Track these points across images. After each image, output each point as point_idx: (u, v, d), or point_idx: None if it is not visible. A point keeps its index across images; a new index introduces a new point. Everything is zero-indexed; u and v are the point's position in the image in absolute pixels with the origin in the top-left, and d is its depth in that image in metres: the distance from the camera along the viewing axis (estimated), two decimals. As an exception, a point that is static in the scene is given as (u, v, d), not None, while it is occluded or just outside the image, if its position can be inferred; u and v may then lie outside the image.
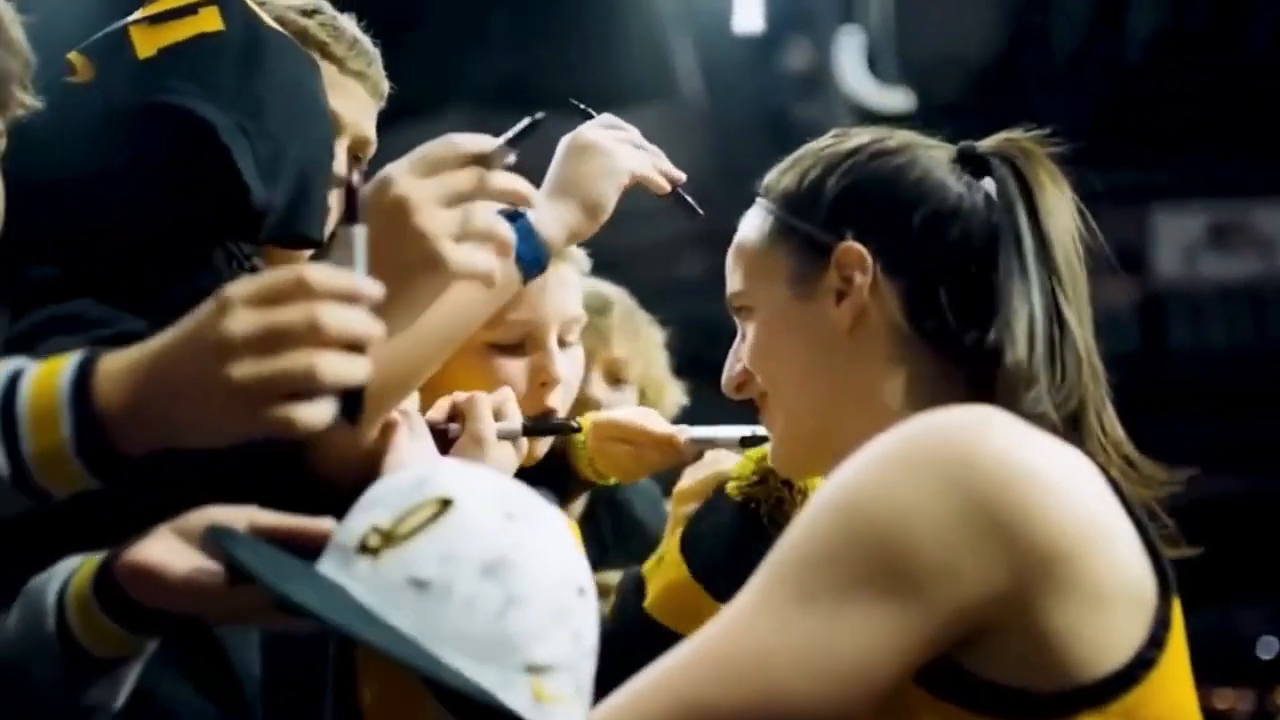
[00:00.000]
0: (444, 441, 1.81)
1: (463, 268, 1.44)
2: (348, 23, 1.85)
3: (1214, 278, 8.64)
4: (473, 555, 1.27)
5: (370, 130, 1.85)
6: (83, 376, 1.23)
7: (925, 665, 1.35)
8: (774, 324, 1.59)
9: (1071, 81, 7.26)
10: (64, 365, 1.24)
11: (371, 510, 1.31)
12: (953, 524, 1.34)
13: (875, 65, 7.10)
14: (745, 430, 2.03)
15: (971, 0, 7.52)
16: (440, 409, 1.87)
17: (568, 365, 2.14)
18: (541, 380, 2.08)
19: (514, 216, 1.70)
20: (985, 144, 1.56)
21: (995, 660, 1.34)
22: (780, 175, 1.60)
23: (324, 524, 1.34)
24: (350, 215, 1.29)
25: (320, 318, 1.20)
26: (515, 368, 2.10)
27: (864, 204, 1.55)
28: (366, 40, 1.86)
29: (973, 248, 1.51)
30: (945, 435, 1.38)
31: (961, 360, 1.50)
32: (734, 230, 1.62)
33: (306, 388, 1.20)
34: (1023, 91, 7.32)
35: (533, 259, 1.70)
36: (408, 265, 1.41)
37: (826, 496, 1.37)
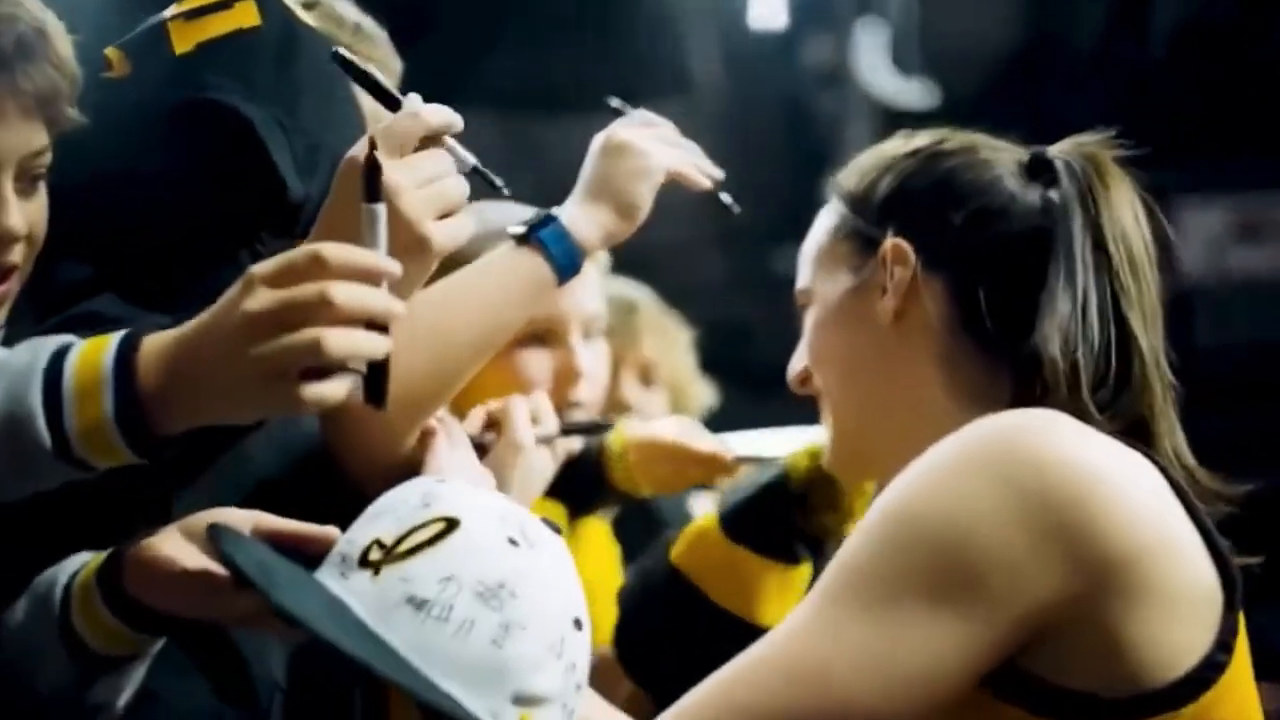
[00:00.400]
0: (480, 452, 1.80)
1: (446, 246, 1.46)
2: (347, 9, 1.85)
3: (1241, 273, 8.61)
4: (473, 578, 1.26)
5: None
6: (125, 354, 1.27)
7: (991, 669, 1.35)
8: (826, 318, 1.61)
9: (1096, 76, 7.22)
10: (108, 343, 1.28)
11: (375, 522, 1.31)
12: (1016, 528, 1.33)
13: (897, 59, 7.06)
14: (791, 443, 2.02)
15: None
16: (475, 420, 1.86)
17: (591, 360, 2.13)
18: (565, 375, 2.08)
19: (548, 220, 1.69)
20: (1054, 148, 1.57)
21: (1063, 664, 1.34)
22: (846, 174, 1.64)
23: (329, 531, 1.35)
24: (371, 194, 1.30)
25: (332, 293, 1.23)
26: (539, 363, 2.10)
27: (911, 202, 1.57)
28: (370, 22, 1.86)
29: (1017, 248, 1.52)
30: (1007, 438, 1.37)
31: (1006, 360, 1.50)
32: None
33: (316, 362, 1.23)
34: (1046, 86, 7.28)
35: (567, 261, 1.70)
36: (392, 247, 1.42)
37: (886, 503, 1.38)
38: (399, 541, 1.27)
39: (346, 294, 1.23)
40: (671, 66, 6.83)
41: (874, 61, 7.07)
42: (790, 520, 1.93)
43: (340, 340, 1.23)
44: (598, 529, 2.42)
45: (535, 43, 6.52)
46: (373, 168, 1.30)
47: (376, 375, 1.27)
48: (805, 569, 1.96)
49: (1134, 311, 1.49)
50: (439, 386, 1.65)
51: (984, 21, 7.47)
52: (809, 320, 1.64)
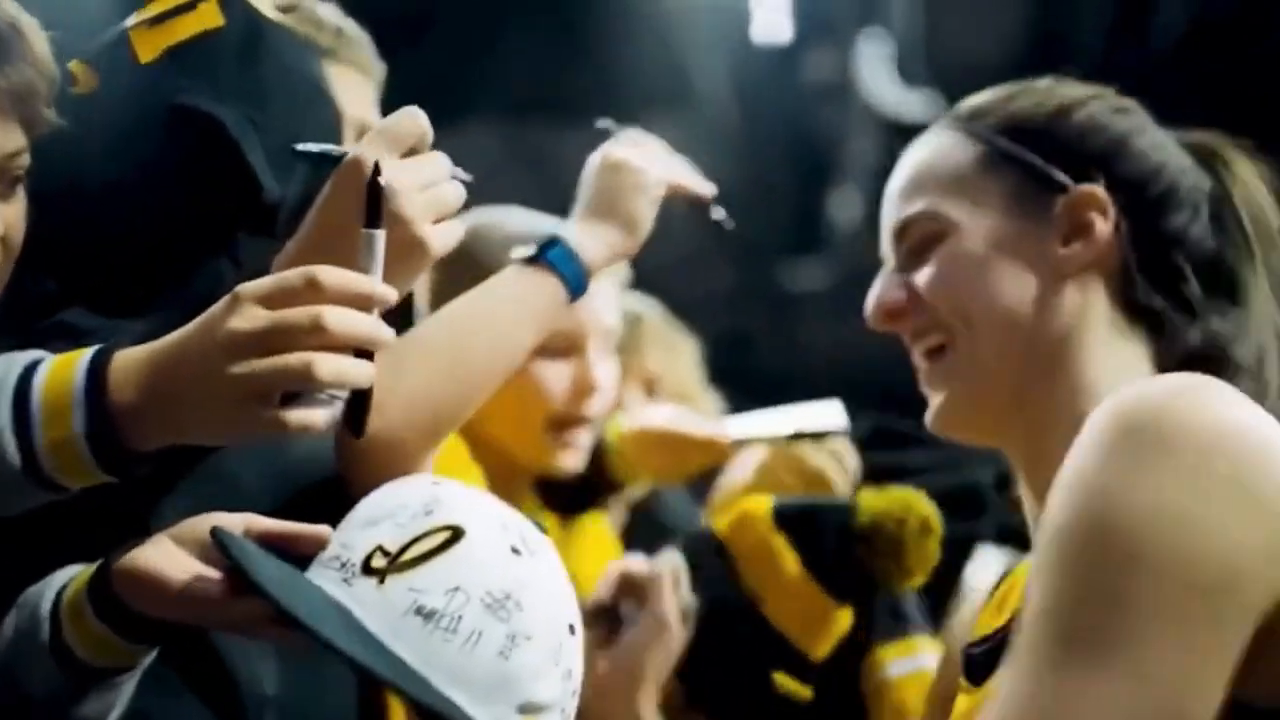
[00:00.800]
0: (614, 618, 1.81)
1: (440, 251, 1.46)
2: (329, 12, 1.85)
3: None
4: (481, 589, 1.26)
5: (370, 114, 1.86)
6: (96, 370, 1.25)
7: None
8: (979, 254, 1.47)
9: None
10: (79, 359, 1.27)
11: (375, 528, 1.30)
12: (1226, 509, 1.16)
13: (902, 71, 7.05)
14: (788, 424, 2.03)
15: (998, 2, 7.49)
16: (610, 582, 1.85)
17: (606, 374, 2.14)
18: (582, 387, 2.09)
19: (554, 241, 1.70)
20: (1195, 138, 1.51)
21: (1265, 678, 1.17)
22: (998, 102, 1.52)
23: (321, 530, 1.34)
24: (372, 219, 1.29)
25: (325, 318, 1.21)
26: (556, 374, 2.12)
27: (1112, 153, 1.47)
28: (351, 24, 1.86)
29: (1203, 229, 1.46)
30: (1173, 411, 1.20)
31: (1162, 339, 1.43)
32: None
33: (303, 387, 1.22)
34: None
35: (577, 281, 1.72)
36: (388, 248, 1.39)
37: (1070, 525, 1.18)
38: (404, 550, 1.27)
39: (340, 319, 1.22)
40: (676, 80, 6.83)
41: (877, 73, 7.06)
42: (846, 550, 1.91)
43: (330, 366, 1.21)
44: (598, 526, 2.41)
45: (538, 52, 6.52)
46: (375, 191, 1.29)
47: (358, 403, 1.26)
48: (843, 615, 1.93)
49: (1274, 292, 1.45)
50: (458, 409, 1.66)
51: (989, 32, 7.47)
52: (943, 255, 1.49)
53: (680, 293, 3.54)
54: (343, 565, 1.28)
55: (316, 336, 1.21)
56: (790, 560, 1.89)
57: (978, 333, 1.46)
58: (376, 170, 1.33)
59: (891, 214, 1.54)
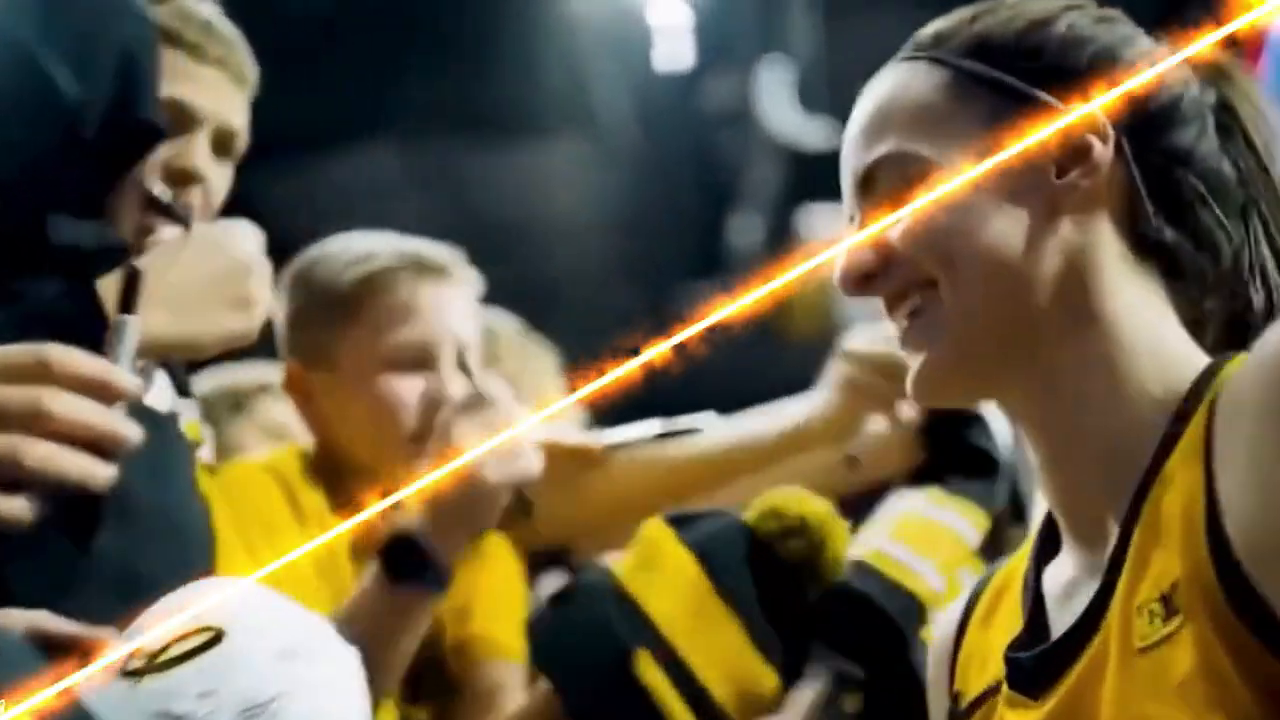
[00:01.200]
0: None
1: (253, 336, 1.46)
2: (200, 6, 1.77)
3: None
4: (235, 694, 1.18)
5: (237, 120, 1.76)
6: None
7: None
8: (961, 193, 1.27)
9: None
10: None
11: (143, 628, 1.22)
12: None
13: (803, 97, 7.10)
14: (656, 426, 2.05)
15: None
16: None
17: (462, 388, 2.12)
18: (436, 401, 2.06)
19: (421, 566, 1.81)
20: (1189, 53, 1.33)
21: None
22: (960, 24, 1.34)
23: (102, 633, 1.23)
24: (126, 304, 1.24)
25: (47, 403, 1.10)
26: (408, 388, 2.09)
27: (1099, 66, 1.30)
28: (225, 24, 1.76)
29: (1211, 145, 1.31)
30: None
31: (1177, 280, 1.30)
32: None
33: (6, 474, 1.09)
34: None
35: (437, 585, 1.85)
36: (219, 303, 1.41)
37: None
38: (162, 651, 1.19)
39: (65, 406, 1.10)
40: (578, 105, 6.84)
41: (778, 100, 7.10)
42: (747, 557, 1.92)
43: (41, 454, 1.09)
44: (499, 544, 2.41)
45: (441, 74, 6.52)
46: (133, 277, 1.23)
47: (81, 505, 1.16)
48: (765, 669, 1.90)
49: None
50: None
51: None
52: (922, 195, 1.28)
53: (580, 312, 3.55)
54: (106, 666, 1.20)
55: (34, 421, 1.09)
56: (689, 563, 1.90)
57: (961, 278, 1.27)
58: (131, 251, 1.29)
59: (853, 161, 1.34)
